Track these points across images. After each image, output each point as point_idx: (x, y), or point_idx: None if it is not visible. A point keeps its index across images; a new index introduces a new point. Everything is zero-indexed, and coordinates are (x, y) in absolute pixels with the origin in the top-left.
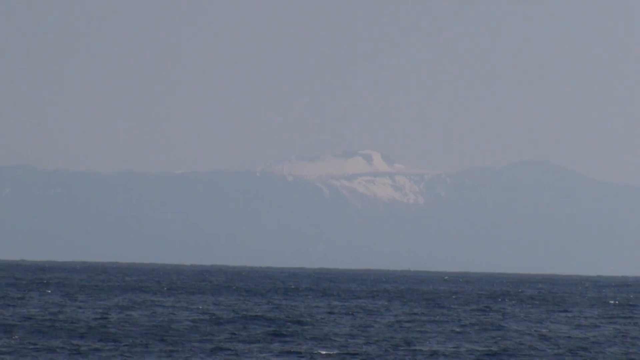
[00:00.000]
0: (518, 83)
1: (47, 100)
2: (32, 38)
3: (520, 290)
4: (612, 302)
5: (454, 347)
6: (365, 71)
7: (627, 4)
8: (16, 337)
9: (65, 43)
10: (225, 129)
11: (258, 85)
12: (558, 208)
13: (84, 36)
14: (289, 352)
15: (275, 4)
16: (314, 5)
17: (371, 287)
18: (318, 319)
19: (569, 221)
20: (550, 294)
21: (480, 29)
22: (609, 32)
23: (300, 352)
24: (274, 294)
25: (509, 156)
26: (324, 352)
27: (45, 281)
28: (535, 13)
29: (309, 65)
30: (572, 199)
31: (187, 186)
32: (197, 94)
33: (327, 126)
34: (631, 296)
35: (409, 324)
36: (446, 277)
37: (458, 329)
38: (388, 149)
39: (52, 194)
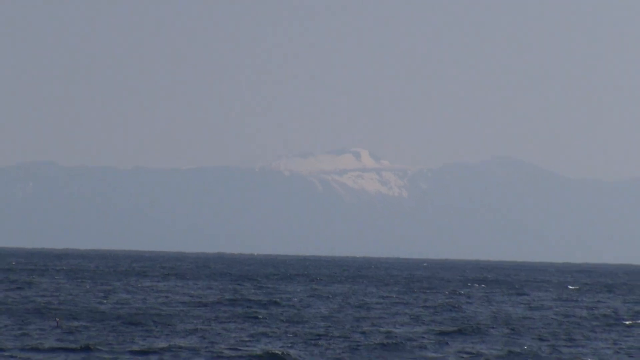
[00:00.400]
0: (495, 85)
1: (68, 100)
2: (55, 38)
3: (490, 276)
4: (571, 287)
5: (412, 328)
6: (354, 74)
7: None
8: (13, 317)
9: (87, 45)
10: (228, 129)
11: (259, 88)
12: (526, 200)
13: (104, 38)
14: (261, 333)
15: (275, 8)
16: (315, 7)
17: (354, 272)
18: (295, 302)
19: (536, 212)
20: (517, 280)
21: (455, 30)
22: (579, 30)
23: (268, 333)
24: (264, 278)
25: (483, 153)
26: (290, 334)
27: (58, 267)
28: (509, 13)
29: (303, 69)
30: (539, 192)
31: (193, 181)
32: (203, 96)
33: (320, 126)
34: (589, 281)
35: (378, 307)
36: (425, 264)
37: (422, 311)
38: (375, 147)
39: (73, 188)
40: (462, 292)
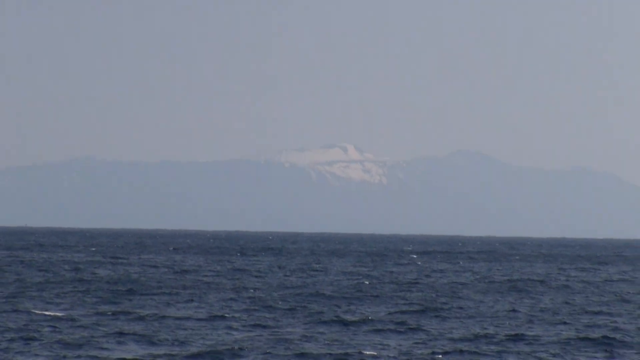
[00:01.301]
0: (461, 87)
1: (104, 102)
2: (90, 38)
3: (439, 248)
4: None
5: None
6: (343, 80)
7: None
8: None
9: (115, 47)
10: (238, 129)
11: (264, 92)
12: (483, 185)
13: (134, 38)
14: (205, 304)
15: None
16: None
17: (334, 246)
18: (253, 273)
19: (490, 195)
20: (458, 250)
21: (425, 33)
22: (538, 29)
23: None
24: (238, 253)
25: (449, 147)
26: (234, 304)
27: (85, 245)
28: (473, 13)
29: (299, 74)
30: (496, 180)
31: (210, 172)
32: (217, 99)
33: (313, 125)
34: (555, 252)
35: (339, 278)
36: (410, 247)
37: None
38: (359, 142)
39: (109, 178)
40: (406, 260)
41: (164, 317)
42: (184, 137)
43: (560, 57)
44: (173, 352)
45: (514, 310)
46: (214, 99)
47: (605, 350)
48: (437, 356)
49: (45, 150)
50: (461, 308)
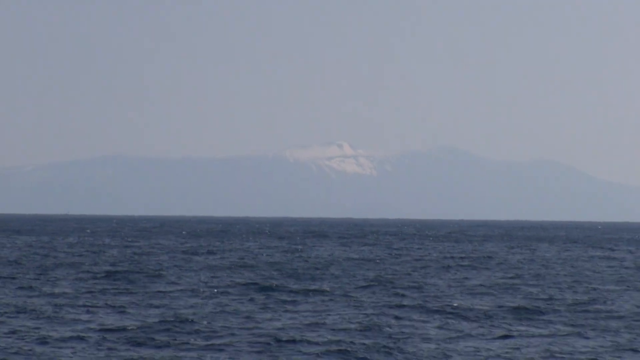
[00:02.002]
0: (443, 88)
1: (132, 102)
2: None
3: (411, 230)
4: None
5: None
6: (339, 84)
7: None
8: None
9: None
10: (250, 127)
11: (272, 94)
12: (459, 175)
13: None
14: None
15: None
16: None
17: (324, 229)
18: (225, 252)
19: (466, 185)
20: (435, 233)
21: (408, 33)
22: (507, 25)
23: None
24: (223, 234)
25: (431, 142)
26: (203, 279)
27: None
28: (456, 15)
29: (302, 78)
30: (469, 172)
31: (225, 166)
32: (231, 102)
33: (314, 125)
34: (520, 234)
35: (315, 259)
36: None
37: (355, 257)
38: (353, 140)
39: (137, 173)
40: (401, 244)
41: (146, 292)
42: (203, 135)
43: (533, 56)
44: (146, 323)
45: (455, 282)
46: (230, 101)
47: (519, 319)
48: (354, 320)
49: (82, 147)
50: (401, 280)
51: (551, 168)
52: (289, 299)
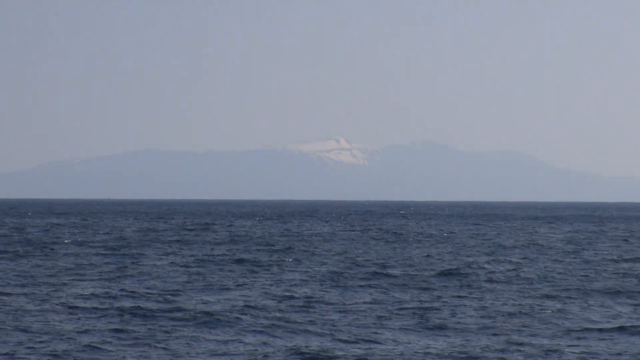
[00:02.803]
0: (424, 87)
1: (163, 100)
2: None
3: (403, 212)
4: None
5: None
6: (338, 86)
7: None
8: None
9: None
10: (262, 125)
11: (280, 98)
12: (435, 165)
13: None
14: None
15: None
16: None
17: (313, 207)
18: (199, 232)
19: (440, 173)
20: (420, 212)
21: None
22: (475, 20)
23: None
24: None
25: (414, 136)
26: (173, 255)
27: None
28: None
29: (308, 80)
30: (443, 161)
31: (242, 157)
32: (247, 100)
33: (315, 122)
34: (475, 213)
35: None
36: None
37: (328, 231)
38: (348, 135)
39: (168, 167)
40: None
41: (139, 262)
42: (223, 132)
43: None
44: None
45: (394, 252)
46: (245, 103)
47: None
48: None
49: (121, 142)
50: (332, 248)
51: (513, 158)
52: (254, 268)
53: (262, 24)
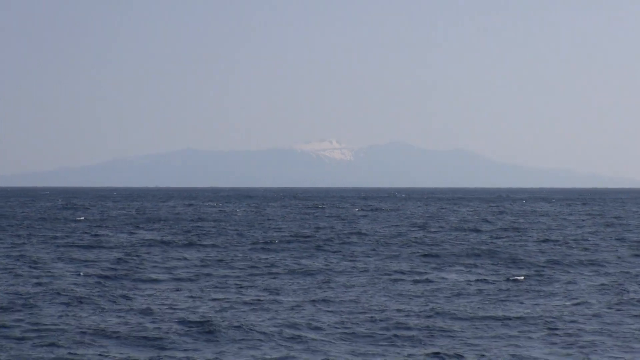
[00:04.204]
0: (393, 93)
1: (199, 103)
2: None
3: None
4: (419, 202)
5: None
6: (331, 92)
7: None
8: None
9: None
10: (271, 128)
11: (284, 105)
12: (401, 162)
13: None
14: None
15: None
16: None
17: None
18: (174, 216)
19: (408, 167)
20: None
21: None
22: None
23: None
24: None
25: (387, 137)
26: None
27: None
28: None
29: (309, 88)
30: (409, 159)
31: (257, 155)
32: (263, 104)
33: (313, 126)
34: (427, 196)
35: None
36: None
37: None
38: (339, 137)
39: (205, 165)
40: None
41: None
42: (241, 134)
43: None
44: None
45: (350, 226)
46: (261, 110)
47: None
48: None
49: (166, 143)
50: (320, 228)
51: (463, 154)
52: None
53: (268, 37)
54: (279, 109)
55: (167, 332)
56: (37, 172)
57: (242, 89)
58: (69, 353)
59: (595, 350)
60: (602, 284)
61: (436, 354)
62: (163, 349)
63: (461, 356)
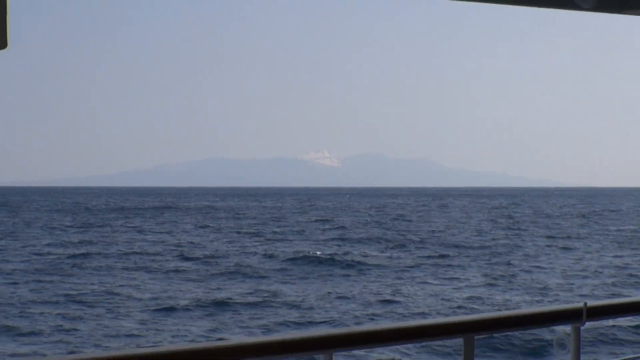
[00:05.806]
0: (371, 103)
1: (223, 112)
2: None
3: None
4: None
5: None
6: (323, 104)
7: None
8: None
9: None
10: (278, 140)
11: (286, 114)
12: (377, 170)
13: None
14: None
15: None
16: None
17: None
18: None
19: (379, 171)
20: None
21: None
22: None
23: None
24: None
25: (366, 148)
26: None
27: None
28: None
29: (304, 105)
30: (382, 167)
31: (265, 163)
32: (271, 114)
33: (311, 140)
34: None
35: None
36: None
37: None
38: (330, 148)
39: (230, 172)
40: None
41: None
42: (254, 144)
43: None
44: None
45: (311, 225)
46: (269, 123)
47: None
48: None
49: (193, 151)
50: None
51: (422, 162)
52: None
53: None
54: (282, 123)
55: None
56: (99, 175)
57: (254, 107)
58: None
59: None
60: None
61: None
62: None
63: None
